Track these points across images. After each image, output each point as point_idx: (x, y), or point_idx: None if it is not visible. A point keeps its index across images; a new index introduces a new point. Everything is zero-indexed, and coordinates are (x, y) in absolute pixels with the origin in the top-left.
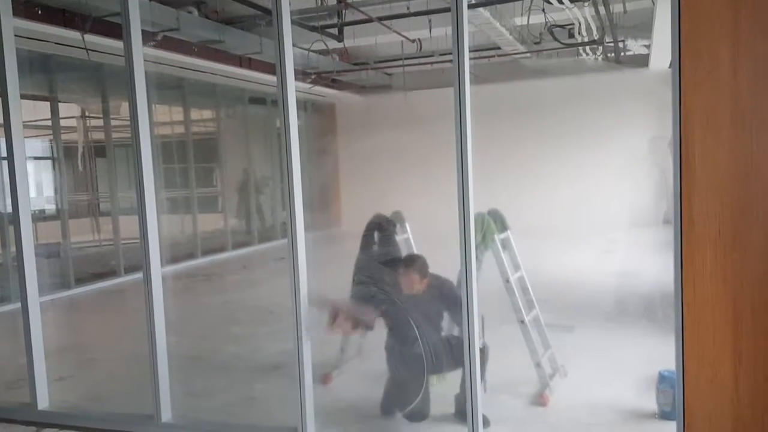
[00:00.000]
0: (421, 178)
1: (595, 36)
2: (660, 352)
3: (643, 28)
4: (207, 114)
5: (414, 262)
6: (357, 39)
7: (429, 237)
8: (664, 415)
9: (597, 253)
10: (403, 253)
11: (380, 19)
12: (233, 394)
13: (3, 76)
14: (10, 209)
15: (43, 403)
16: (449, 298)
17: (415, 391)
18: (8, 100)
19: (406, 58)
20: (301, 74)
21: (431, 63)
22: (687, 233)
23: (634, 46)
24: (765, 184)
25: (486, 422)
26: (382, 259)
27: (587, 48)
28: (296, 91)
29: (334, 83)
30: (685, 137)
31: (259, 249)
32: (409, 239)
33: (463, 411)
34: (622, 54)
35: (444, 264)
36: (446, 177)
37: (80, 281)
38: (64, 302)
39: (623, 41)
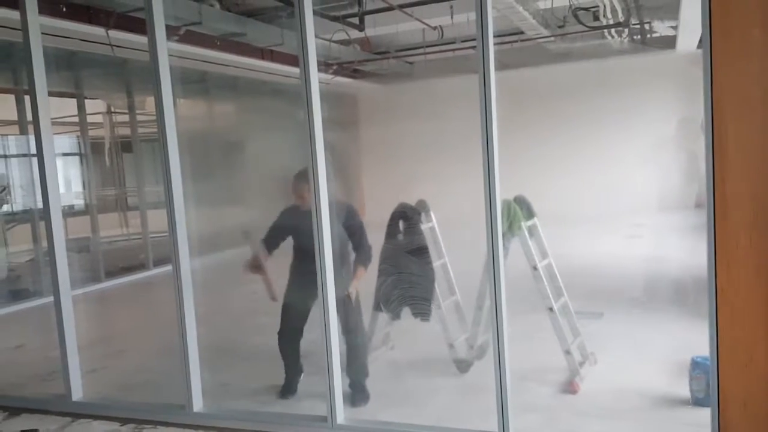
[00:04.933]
0: (445, 167)
1: (621, 18)
2: (691, 338)
3: (670, 9)
4: (231, 107)
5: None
6: (378, 28)
7: (454, 225)
8: (698, 402)
9: (625, 238)
10: (429, 242)
11: (401, 6)
12: (262, 384)
13: (31, 74)
14: (40, 205)
15: (76, 394)
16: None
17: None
18: (37, 98)
19: (427, 46)
20: (323, 65)
21: (453, 50)
22: (720, 217)
23: (661, 28)
24: None
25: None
26: (407, 248)
27: (612, 30)
28: (318, 82)
29: (355, 73)
30: (717, 118)
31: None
32: (434, 228)
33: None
34: (649, 36)
35: (470, 253)
36: (471, 164)
37: (110, 275)
38: (94, 295)
39: (649, 23)
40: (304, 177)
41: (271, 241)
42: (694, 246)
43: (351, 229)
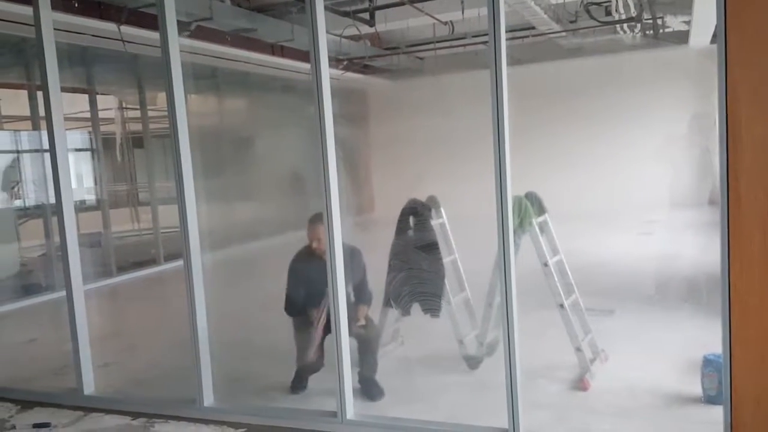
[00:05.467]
0: (455, 162)
1: (633, 13)
2: (703, 336)
3: (683, 3)
4: (241, 103)
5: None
6: (388, 23)
7: (465, 221)
8: (710, 400)
9: (637, 235)
10: (439, 238)
11: (412, 1)
12: (273, 380)
13: (44, 69)
14: (53, 200)
15: (88, 388)
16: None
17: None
18: (49, 93)
19: (438, 41)
20: (333, 61)
21: (464, 45)
22: (734, 213)
23: (674, 23)
24: None
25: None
26: (417, 244)
27: (625, 26)
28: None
29: (365, 69)
30: (731, 113)
31: (293, 237)
32: (444, 224)
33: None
34: (661, 31)
35: (481, 249)
36: (482, 160)
37: (121, 270)
38: (106, 290)
39: (662, 18)
40: (321, 219)
41: (297, 304)
42: (708, 243)
43: (355, 272)
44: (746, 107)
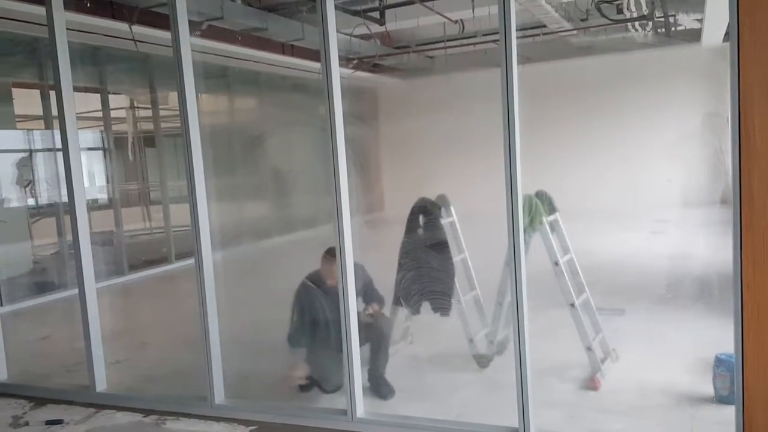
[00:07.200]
0: (466, 161)
1: (645, 11)
2: (714, 335)
3: (695, 1)
4: (252, 102)
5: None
6: (398, 22)
7: (475, 220)
8: (722, 399)
9: (648, 234)
10: (449, 236)
11: (422, 0)
12: (283, 378)
13: (57, 69)
14: (65, 199)
15: (100, 385)
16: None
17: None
18: (62, 93)
19: (448, 40)
20: (344, 60)
21: (474, 44)
22: (746, 211)
23: (686, 21)
24: None
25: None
26: (427, 243)
27: (636, 24)
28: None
29: (375, 68)
30: (743, 112)
31: (303, 235)
32: (454, 223)
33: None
34: (673, 29)
35: (491, 248)
36: (492, 159)
37: (133, 268)
38: (118, 288)
39: (674, 16)
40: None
41: (302, 332)
42: (720, 243)
43: (363, 288)
44: (759, 106)
